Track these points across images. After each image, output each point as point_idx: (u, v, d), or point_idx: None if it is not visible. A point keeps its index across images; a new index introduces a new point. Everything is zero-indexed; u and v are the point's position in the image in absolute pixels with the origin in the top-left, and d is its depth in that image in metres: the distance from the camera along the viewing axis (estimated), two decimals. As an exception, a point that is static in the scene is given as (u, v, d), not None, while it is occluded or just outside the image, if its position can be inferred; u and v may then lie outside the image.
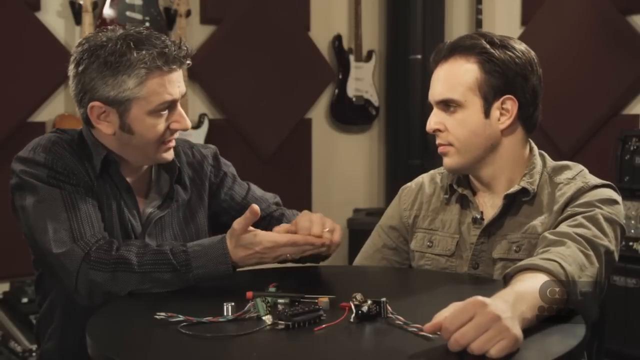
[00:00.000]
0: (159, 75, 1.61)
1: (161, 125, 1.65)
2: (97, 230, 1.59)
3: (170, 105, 1.65)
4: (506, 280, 1.37)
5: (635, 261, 3.06)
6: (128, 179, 1.73)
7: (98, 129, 1.68)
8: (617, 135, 3.30)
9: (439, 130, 1.67)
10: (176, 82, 1.65)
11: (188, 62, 1.68)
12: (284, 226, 1.63)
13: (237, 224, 1.55)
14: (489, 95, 1.63)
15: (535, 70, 1.66)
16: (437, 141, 1.69)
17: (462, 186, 1.74)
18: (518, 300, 1.20)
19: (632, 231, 3.11)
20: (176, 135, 1.71)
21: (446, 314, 1.14)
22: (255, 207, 1.54)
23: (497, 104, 1.63)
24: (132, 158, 1.71)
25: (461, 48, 1.65)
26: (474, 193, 1.74)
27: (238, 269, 1.67)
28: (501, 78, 1.62)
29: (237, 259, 1.57)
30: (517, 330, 1.12)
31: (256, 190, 1.94)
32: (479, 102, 1.63)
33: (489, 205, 1.71)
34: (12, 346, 2.94)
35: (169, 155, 1.71)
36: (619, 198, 1.62)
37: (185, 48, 1.65)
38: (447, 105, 1.65)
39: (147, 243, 1.62)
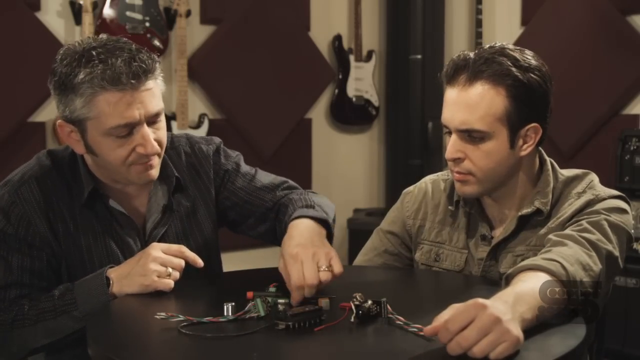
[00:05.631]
0: (108, 95, 1.49)
1: (122, 149, 1.54)
2: (25, 293, 1.57)
3: (132, 129, 1.53)
4: (508, 280, 1.35)
5: (635, 261, 3.05)
6: (122, 206, 1.65)
7: (74, 149, 1.62)
8: (617, 135, 3.29)
9: (459, 159, 1.59)
10: (136, 102, 1.50)
11: (158, 76, 1.56)
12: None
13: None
14: (516, 124, 1.56)
15: (552, 89, 1.60)
16: (456, 169, 1.60)
17: (469, 204, 1.69)
18: (518, 301, 1.19)
19: (632, 231, 3.11)
20: (153, 155, 1.57)
21: (446, 317, 1.13)
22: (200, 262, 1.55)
23: (522, 132, 1.58)
24: (112, 181, 1.64)
25: (487, 73, 1.54)
26: (483, 209, 1.69)
27: (237, 270, 1.66)
28: (528, 106, 1.56)
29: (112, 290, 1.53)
30: (518, 332, 1.12)
31: (262, 177, 1.81)
32: (505, 133, 1.56)
33: (497, 219, 1.68)
34: (12, 346, 2.93)
35: (150, 175, 1.60)
36: (628, 208, 1.60)
37: (138, 65, 1.49)
38: (470, 134, 1.57)
39: (41, 294, 1.57)
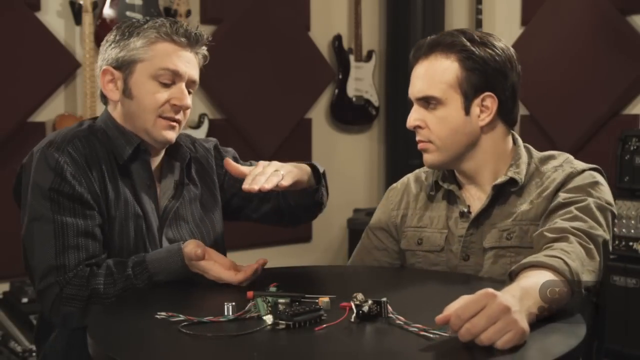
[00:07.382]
0: (167, 42, 1.69)
1: (160, 94, 1.68)
2: (82, 258, 1.60)
3: (174, 79, 1.70)
4: (511, 277, 1.38)
5: (635, 261, 3.06)
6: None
7: (107, 97, 1.73)
8: (617, 135, 3.30)
9: (419, 127, 1.70)
10: (185, 59, 1.71)
11: (203, 50, 1.78)
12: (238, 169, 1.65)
13: (194, 254, 1.59)
14: (469, 92, 1.65)
15: (514, 67, 1.68)
16: (417, 138, 1.71)
17: (447, 182, 1.77)
18: (524, 295, 1.23)
19: (632, 231, 3.11)
20: (179, 116, 1.72)
21: (457, 306, 1.15)
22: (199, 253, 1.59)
23: (477, 101, 1.66)
24: (136, 131, 1.72)
25: (441, 45, 1.67)
26: (460, 187, 1.76)
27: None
28: (481, 75, 1.65)
29: (191, 270, 1.63)
30: (525, 324, 1.14)
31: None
32: (459, 99, 1.66)
33: (475, 197, 1.74)
34: (12, 346, 2.93)
35: (169, 134, 1.72)
36: (603, 180, 1.65)
37: (199, 32, 1.75)
38: (427, 102, 1.67)
39: (112, 270, 1.61)
